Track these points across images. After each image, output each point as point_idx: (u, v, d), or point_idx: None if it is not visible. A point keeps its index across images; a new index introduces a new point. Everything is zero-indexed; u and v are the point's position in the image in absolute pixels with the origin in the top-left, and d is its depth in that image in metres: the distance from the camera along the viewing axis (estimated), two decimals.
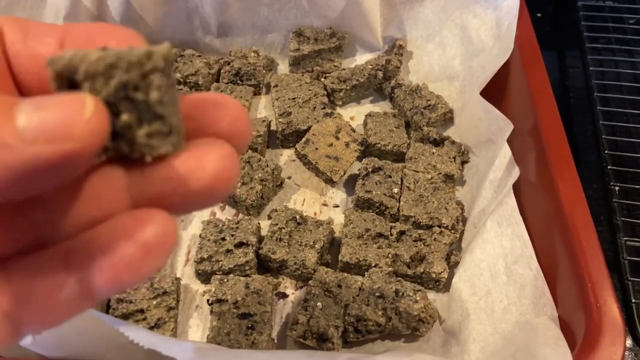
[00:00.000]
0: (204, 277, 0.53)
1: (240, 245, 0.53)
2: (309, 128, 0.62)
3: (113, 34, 0.20)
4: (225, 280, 0.50)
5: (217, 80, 0.70)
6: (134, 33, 0.20)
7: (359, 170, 0.59)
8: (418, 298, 0.48)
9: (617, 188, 0.55)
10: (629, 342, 0.51)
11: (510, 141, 0.54)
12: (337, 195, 0.61)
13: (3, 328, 0.18)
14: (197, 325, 0.51)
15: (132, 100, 0.17)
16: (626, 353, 0.50)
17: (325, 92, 0.68)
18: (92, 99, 0.16)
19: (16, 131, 0.15)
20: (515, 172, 0.50)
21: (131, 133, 0.18)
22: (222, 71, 0.70)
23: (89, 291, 0.18)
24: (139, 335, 0.35)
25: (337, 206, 0.60)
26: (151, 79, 0.17)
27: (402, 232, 0.54)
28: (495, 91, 0.60)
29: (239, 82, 0.69)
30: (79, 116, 0.16)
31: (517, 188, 0.51)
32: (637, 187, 0.56)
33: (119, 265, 0.17)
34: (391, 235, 0.54)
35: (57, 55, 0.17)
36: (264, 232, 0.55)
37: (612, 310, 0.39)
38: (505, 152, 0.53)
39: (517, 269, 0.46)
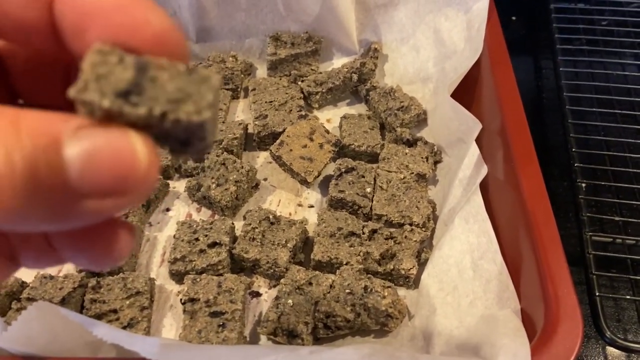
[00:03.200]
0: (178, 277, 0.53)
1: (213, 245, 0.53)
2: (285, 130, 0.63)
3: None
4: (198, 279, 0.51)
5: None
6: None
7: (333, 171, 0.60)
8: (386, 294, 0.49)
9: (583, 185, 0.56)
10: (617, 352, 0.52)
11: (479, 140, 0.55)
12: (312, 195, 0.62)
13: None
14: (171, 325, 0.51)
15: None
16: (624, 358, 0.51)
17: (301, 96, 0.69)
18: (143, 147, 0.16)
19: (71, 188, 0.15)
20: (484, 170, 0.51)
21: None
22: None
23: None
24: (102, 330, 0.36)
25: (312, 206, 0.61)
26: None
27: (374, 231, 0.55)
28: (466, 92, 0.61)
29: None
30: (134, 172, 0.16)
31: (485, 185, 0.52)
32: (604, 183, 0.57)
33: None
34: (363, 234, 0.55)
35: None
36: (238, 233, 0.56)
37: (570, 301, 0.40)
38: (474, 151, 0.54)
39: (482, 264, 0.47)
